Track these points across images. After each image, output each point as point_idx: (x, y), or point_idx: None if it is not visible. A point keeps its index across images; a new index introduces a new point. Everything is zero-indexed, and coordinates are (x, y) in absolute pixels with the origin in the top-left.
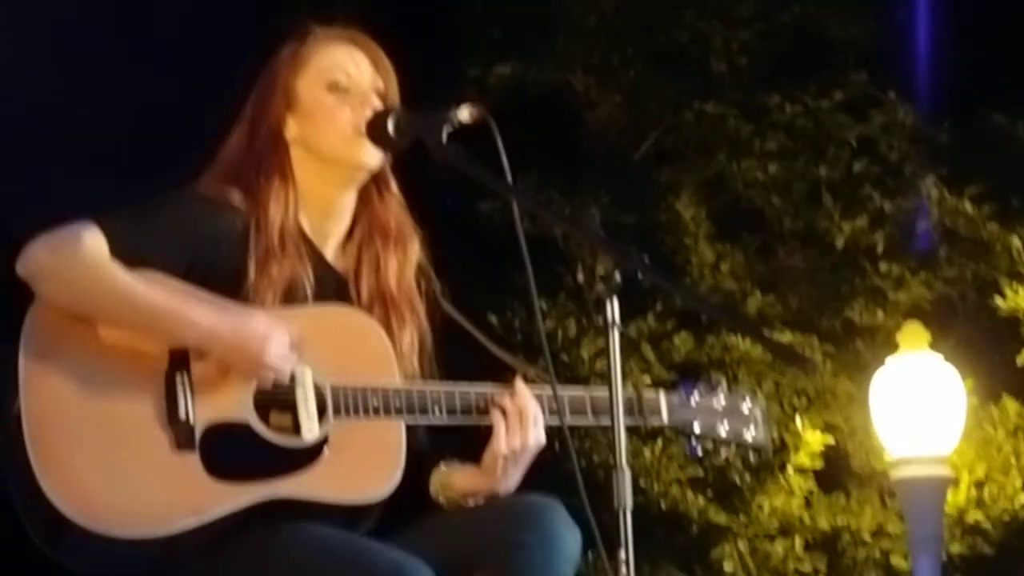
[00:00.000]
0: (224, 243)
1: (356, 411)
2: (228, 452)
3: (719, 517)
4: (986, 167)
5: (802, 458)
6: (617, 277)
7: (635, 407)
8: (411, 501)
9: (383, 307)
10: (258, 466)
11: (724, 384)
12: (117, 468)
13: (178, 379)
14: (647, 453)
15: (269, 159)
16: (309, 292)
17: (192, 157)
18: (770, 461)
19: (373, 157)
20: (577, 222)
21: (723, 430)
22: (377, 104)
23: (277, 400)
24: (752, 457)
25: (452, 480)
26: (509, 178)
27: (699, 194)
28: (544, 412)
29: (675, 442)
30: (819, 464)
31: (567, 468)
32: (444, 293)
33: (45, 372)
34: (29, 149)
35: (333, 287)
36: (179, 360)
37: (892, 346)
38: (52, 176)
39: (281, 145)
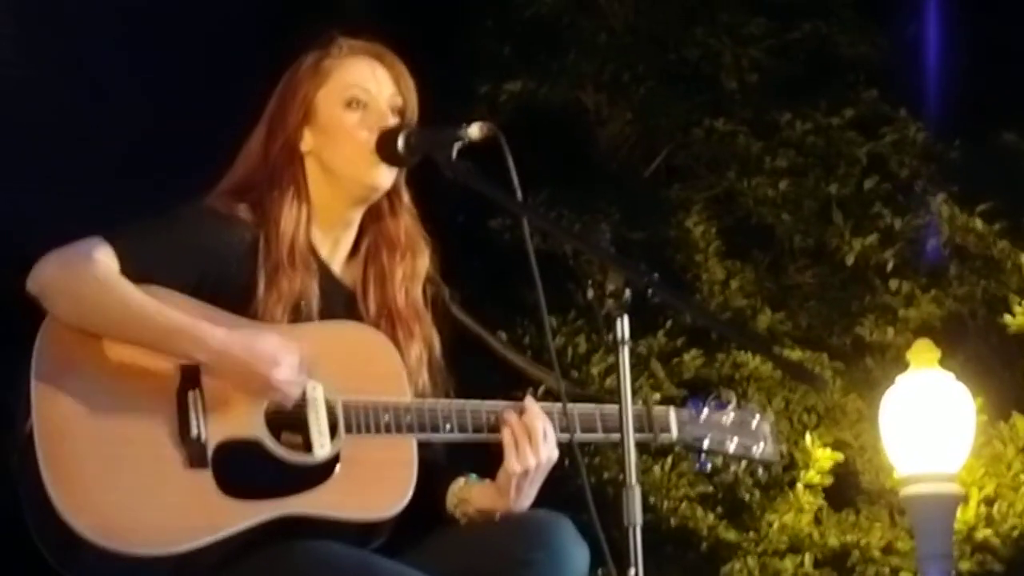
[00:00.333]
0: (233, 257)
1: (367, 428)
2: (240, 469)
3: (729, 534)
4: (996, 184)
5: (812, 475)
6: (627, 294)
7: (645, 423)
8: (425, 515)
9: (390, 321)
10: (270, 483)
11: (734, 400)
12: (131, 486)
13: (190, 397)
14: (657, 470)
15: (284, 171)
16: (317, 307)
17: (207, 167)
18: (780, 478)
19: (386, 179)
20: (587, 239)
21: (732, 446)
22: (394, 123)
23: (289, 417)
24: (761, 472)
25: (470, 496)
26: (519, 195)
27: (709, 211)
28: (555, 428)
29: (685, 459)
30: (829, 481)
31: (577, 485)
32: (453, 297)
33: (57, 390)
34: (38, 162)
35: (342, 302)
36: (190, 377)
37: (902, 363)
38: (61, 189)
39: (296, 157)
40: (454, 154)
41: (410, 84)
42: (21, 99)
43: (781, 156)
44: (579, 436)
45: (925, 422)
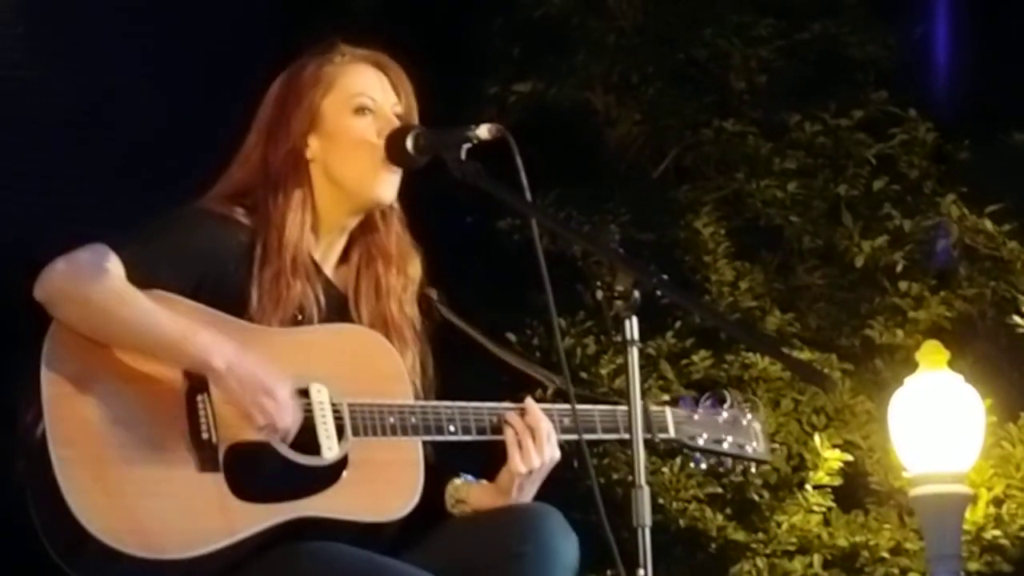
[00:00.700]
0: (231, 260)
1: (374, 430)
2: (251, 472)
3: (738, 535)
4: (1006, 185)
5: (821, 476)
6: (636, 295)
7: (644, 423)
8: (425, 514)
9: (384, 330)
10: (281, 486)
11: (728, 398)
12: (145, 489)
13: (199, 400)
14: (666, 471)
15: (288, 178)
16: (316, 312)
17: (209, 168)
18: (789, 479)
19: (390, 194)
20: (596, 240)
21: (726, 443)
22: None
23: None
24: (754, 469)
25: (467, 495)
26: (528, 196)
27: (718, 212)
28: (556, 428)
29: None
30: (838, 482)
31: (585, 485)
32: (442, 299)
33: (68, 394)
34: (40, 163)
35: (336, 306)
36: (200, 379)
37: (911, 365)
38: (62, 189)
39: (302, 164)
40: (463, 155)
41: (409, 90)
42: (26, 101)
43: (790, 157)
44: (568, 436)
45: (934, 423)
